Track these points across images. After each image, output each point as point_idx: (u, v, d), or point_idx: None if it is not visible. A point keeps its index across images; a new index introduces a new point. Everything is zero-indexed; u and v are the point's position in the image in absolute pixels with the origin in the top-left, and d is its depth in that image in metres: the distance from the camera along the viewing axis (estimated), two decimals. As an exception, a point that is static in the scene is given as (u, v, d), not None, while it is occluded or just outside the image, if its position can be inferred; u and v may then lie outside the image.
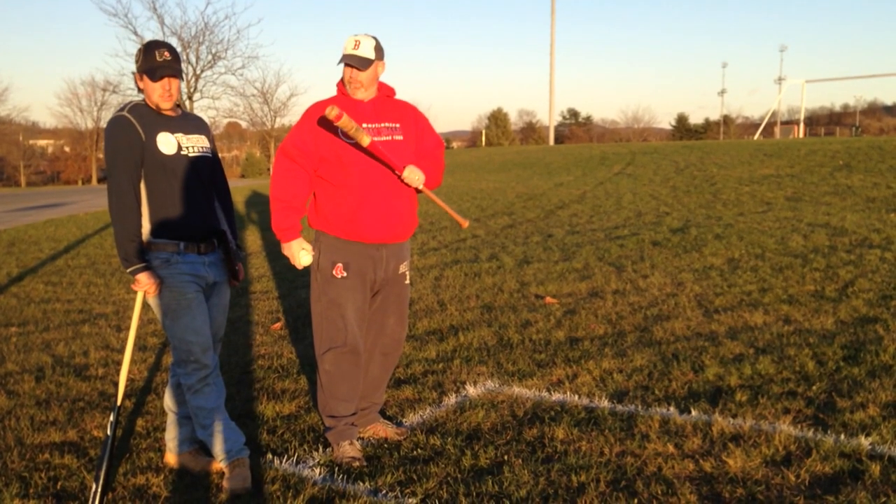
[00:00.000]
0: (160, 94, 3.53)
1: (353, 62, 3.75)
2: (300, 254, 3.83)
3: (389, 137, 3.85)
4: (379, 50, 3.83)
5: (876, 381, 4.62)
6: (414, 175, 3.81)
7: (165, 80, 3.52)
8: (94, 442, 4.18)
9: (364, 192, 3.79)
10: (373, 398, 4.19)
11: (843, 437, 3.86)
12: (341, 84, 3.92)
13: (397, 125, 3.91)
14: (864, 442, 3.77)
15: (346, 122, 3.61)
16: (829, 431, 3.95)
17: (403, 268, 4.04)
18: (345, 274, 3.85)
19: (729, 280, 7.67)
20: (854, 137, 39.70)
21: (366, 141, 3.68)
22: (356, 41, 3.77)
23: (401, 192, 3.87)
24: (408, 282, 4.12)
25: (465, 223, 4.27)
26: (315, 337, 3.97)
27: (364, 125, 3.79)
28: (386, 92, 3.97)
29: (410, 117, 3.99)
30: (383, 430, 4.13)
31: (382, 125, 3.86)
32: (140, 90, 3.59)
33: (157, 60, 3.49)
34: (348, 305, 3.86)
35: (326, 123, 3.74)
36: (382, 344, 4.11)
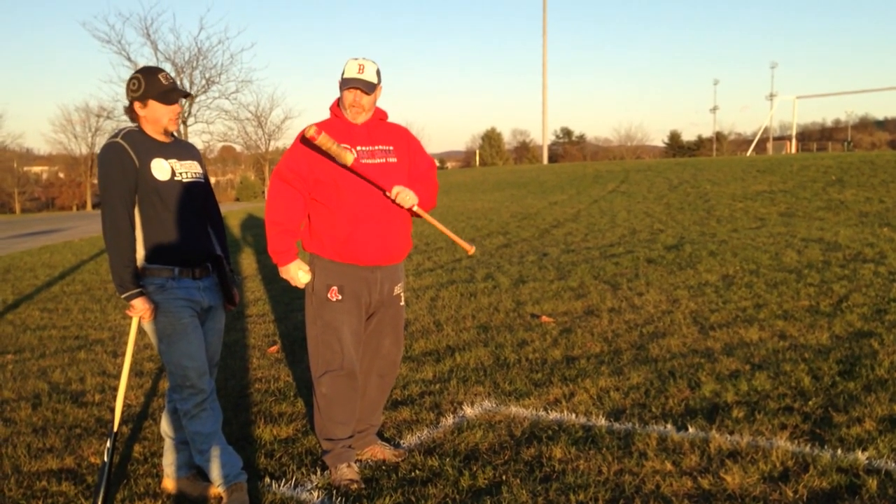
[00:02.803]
0: (172, 117, 3.56)
1: (361, 86, 3.78)
2: (299, 274, 3.85)
3: (383, 160, 3.88)
4: (379, 74, 3.89)
5: (872, 396, 4.63)
6: (404, 195, 3.82)
7: (177, 103, 3.56)
8: (91, 469, 4.17)
9: (358, 215, 3.80)
10: (370, 420, 4.19)
11: (840, 451, 3.87)
12: (336, 107, 3.95)
13: (391, 148, 3.94)
14: (861, 456, 3.77)
15: (324, 141, 3.63)
16: (826, 446, 3.96)
17: (398, 289, 4.06)
18: (340, 297, 3.86)
19: (724, 296, 7.69)
20: (846, 152, 39.87)
21: (349, 160, 3.70)
22: (360, 65, 3.81)
23: (395, 214, 3.89)
24: (403, 303, 4.13)
25: (472, 249, 4.09)
26: (311, 360, 3.97)
27: (358, 148, 3.82)
28: (379, 115, 4.01)
29: (403, 140, 4.03)
30: (381, 451, 4.12)
31: (376, 148, 3.89)
32: (134, 119, 3.59)
33: (164, 84, 3.52)
34: (344, 328, 3.87)
35: (312, 144, 3.76)
36: (378, 366, 4.11)
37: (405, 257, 4.07)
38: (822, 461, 3.75)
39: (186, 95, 3.64)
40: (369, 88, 3.81)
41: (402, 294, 4.11)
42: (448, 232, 4.12)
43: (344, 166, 3.75)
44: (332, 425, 3.92)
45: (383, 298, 3.99)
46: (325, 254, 3.88)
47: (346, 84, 3.81)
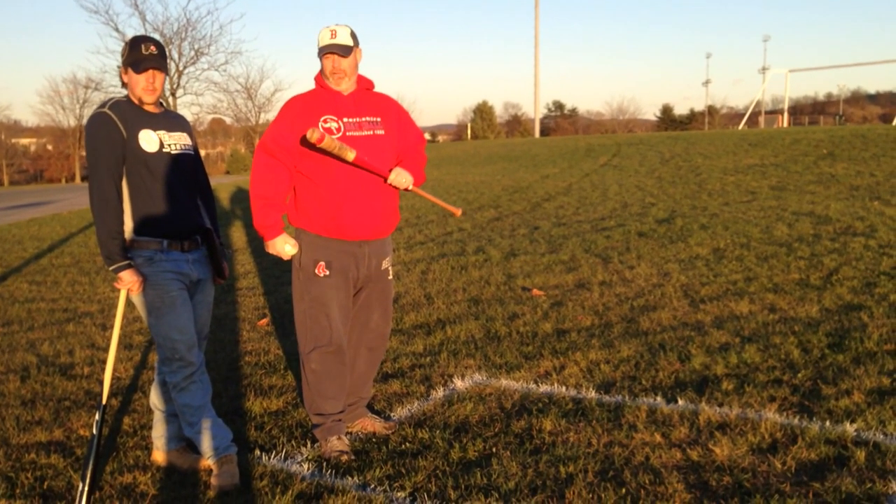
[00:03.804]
0: (144, 86, 3.50)
1: (336, 50, 3.71)
2: (285, 248, 3.81)
3: (371, 132, 3.81)
4: (355, 37, 3.80)
5: (860, 368, 4.65)
6: (401, 178, 3.80)
7: (150, 72, 3.49)
8: (80, 441, 4.16)
9: (346, 189, 3.75)
10: (360, 393, 4.18)
11: (828, 423, 3.89)
12: (320, 77, 3.87)
13: (378, 119, 3.87)
14: (850, 428, 3.79)
15: (329, 143, 3.57)
16: (814, 418, 3.98)
17: (386, 263, 4.02)
18: (327, 272, 3.82)
19: (714, 270, 7.70)
20: (837, 126, 39.86)
21: (350, 156, 3.64)
22: (332, 31, 3.74)
23: (383, 187, 3.85)
24: (391, 277, 4.11)
25: (458, 212, 4.26)
26: (299, 335, 3.95)
27: (345, 119, 3.76)
28: (365, 85, 3.93)
29: (392, 111, 3.96)
30: (371, 424, 4.12)
31: (364, 119, 3.82)
32: (124, 85, 3.57)
33: (142, 53, 3.47)
34: (332, 304, 3.83)
35: (307, 124, 3.67)
36: (368, 339, 4.10)
37: (393, 231, 4.04)
38: (810, 433, 3.76)
39: (159, 69, 3.52)
40: (345, 52, 3.72)
41: (390, 268, 4.08)
42: (432, 197, 4.12)
43: (346, 162, 3.69)
44: (321, 401, 3.91)
45: (371, 273, 3.95)
46: (311, 228, 3.82)
47: (322, 52, 3.75)
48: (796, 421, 3.96)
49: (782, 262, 7.83)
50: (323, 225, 3.79)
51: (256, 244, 11.14)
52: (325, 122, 3.73)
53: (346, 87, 3.83)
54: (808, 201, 12.21)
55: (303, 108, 3.76)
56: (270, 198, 3.75)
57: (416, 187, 3.95)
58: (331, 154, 3.66)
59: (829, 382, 4.47)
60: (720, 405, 4.23)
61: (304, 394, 3.99)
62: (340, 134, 3.73)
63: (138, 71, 3.47)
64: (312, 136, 3.52)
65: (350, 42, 3.75)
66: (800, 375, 4.61)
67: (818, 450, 3.60)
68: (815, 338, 5.28)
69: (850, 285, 6.72)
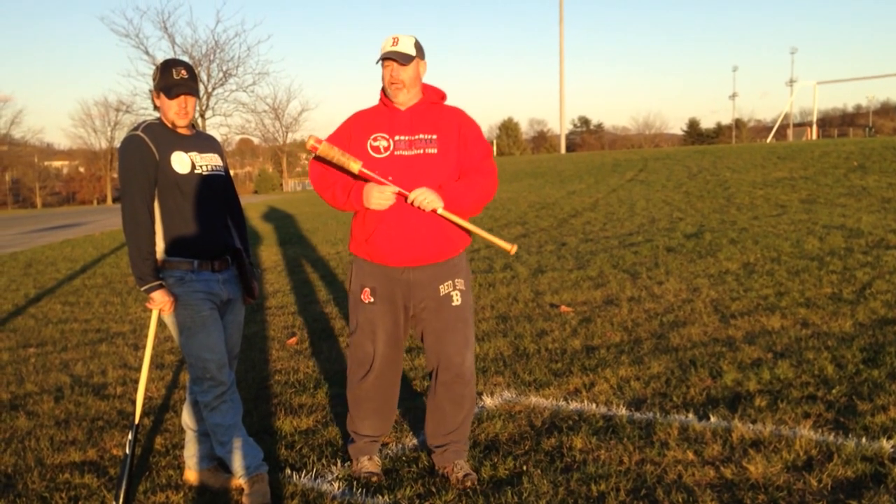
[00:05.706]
0: (176, 111, 3.55)
1: (395, 57, 3.52)
2: (375, 191, 3.50)
3: (422, 151, 3.59)
4: (419, 48, 3.60)
5: (896, 384, 4.57)
6: (423, 197, 3.46)
7: (182, 97, 3.54)
8: (113, 461, 4.19)
9: (382, 212, 3.56)
10: (449, 436, 3.80)
11: (864, 440, 3.83)
12: (383, 94, 3.71)
13: (433, 137, 3.62)
14: (886, 445, 3.73)
15: (325, 151, 3.47)
16: (850, 435, 3.92)
17: (446, 288, 3.67)
18: (372, 299, 3.69)
19: (745, 284, 7.63)
20: (868, 138, 39.45)
21: (355, 167, 3.50)
22: (395, 38, 3.58)
23: (424, 211, 3.57)
24: (457, 303, 3.70)
25: (513, 249, 3.80)
26: (347, 358, 3.90)
27: (397, 137, 3.58)
28: (431, 98, 3.70)
29: (453, 126, 3.68)
30: (452, 470, 3.76)
31: (417, 137, 3.60)
32: (156, 108, 3.62)
33: (174, 78, 3.52)
34: (378, 331, 3.71)
35: (359, 140, 3.59)
36: (444, 376, 3.74)
37: (448, 257, 3.70)
38: (846, 450, 3.71)
39: (191, 93, 3.55)
40: (405, 59, 3.52)
41: (453, 293, 3.70)
42: (482, 232, 3.76)
43: (350, 174, 3.57)
44: (358, 420, 3.87)
45: (426, 301, 3.67)
46: (359, 253, 3.72)
47: (380, 58, 3.60)
48: (831, 438, 3.90)
49: (814, 276, 7.74)
50: (364, 249, 3.67)
51: (286, 263, 11.22)
52: (374, 139, 3.59)
53: (403, 99, 3.63)
54: (840, 214, 12.07)
55: (358, 123, 3.66)
56: (335, 183, 3.59)
57: (459, 216, 3.60)
58: (332, 164, 3.56)
59: (864, 398, 4.40)
60: (753, 422, 4.18)
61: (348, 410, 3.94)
62: (388, 153, 3.56)
63: (170, 96, 3.52)
64: (308, 142, 3.46)
65: (412, 52, 3.55)
66: (834, 391, 4.55)
67: (854, 467, 3.55)
68: (849, 353, 5.20)
69: (884, 299, 6.62)
